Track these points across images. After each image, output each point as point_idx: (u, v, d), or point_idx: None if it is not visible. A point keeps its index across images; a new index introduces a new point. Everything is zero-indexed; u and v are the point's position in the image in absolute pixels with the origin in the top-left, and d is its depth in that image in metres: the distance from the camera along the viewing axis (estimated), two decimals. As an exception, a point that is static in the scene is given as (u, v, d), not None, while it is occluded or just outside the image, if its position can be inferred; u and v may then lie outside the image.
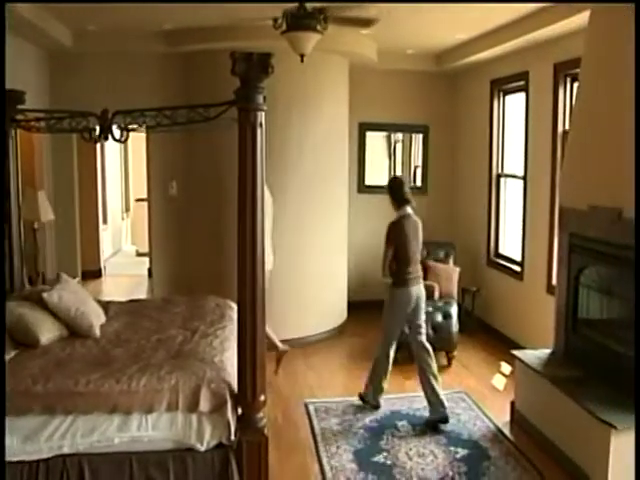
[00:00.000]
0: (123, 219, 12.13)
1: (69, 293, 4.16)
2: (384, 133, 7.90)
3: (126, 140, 3.68)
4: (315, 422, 4.65)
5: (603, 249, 4.05)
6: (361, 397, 4.92)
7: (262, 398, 3.38)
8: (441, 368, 5.76)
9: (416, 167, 7.99)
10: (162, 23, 5.84)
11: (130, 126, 3.58)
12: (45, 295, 4.00)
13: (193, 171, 6.55)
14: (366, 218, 7.36)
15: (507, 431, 4.51)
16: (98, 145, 8.99)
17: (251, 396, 3.32)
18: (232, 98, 3.21)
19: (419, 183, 7.87)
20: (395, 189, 4.75)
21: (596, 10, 4.23)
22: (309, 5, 4.51)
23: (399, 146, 8.04)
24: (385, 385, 4.87)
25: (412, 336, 4.80)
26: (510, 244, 6.71)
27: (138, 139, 7.52)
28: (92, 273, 8.80)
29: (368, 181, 7.66)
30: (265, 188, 3.35)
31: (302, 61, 4.74)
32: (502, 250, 6.87)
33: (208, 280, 6.25)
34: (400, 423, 4.62)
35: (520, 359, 4.57)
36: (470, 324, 6.75)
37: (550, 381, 4.15)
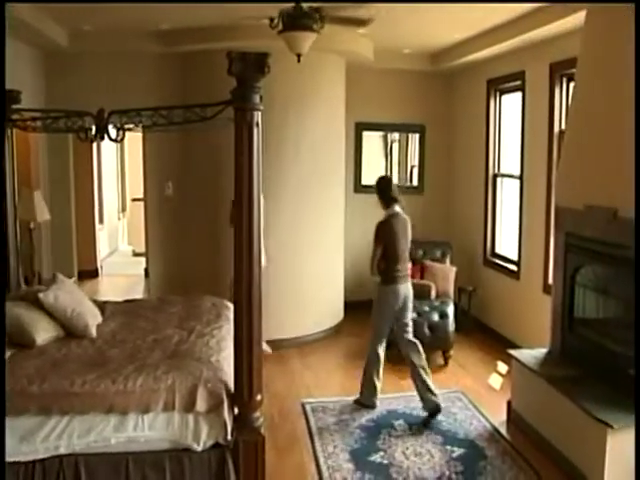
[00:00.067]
0: (119, 219, 12.12)
1: (65, 293, 4.16)
2: (381, 133, 7.90)
3: (122, 140, 3.68)
4: (312, 422, 4.65)
5: (599, 248, 4.05)
6: (357, 402, 4.92)
7: (259, 398, 3.38)
8: (437, 367, 5.80)
9: (412, 167, 7.99)
10: (158, 23, 5.83)
11: (126, 126, 3.57)
12: (41, 295, 3.99)
13: (189, 171, 6.55)
14: (362, 218, 7.34)
15: (503, 430, 4.52)
16: (94, 145, 8.97)
17: (248, 396, 3.32)
18: (228, 98, 3.21)
19: (415, 183, 7.88)
20: (383, 188, 4.81)
21: (592, 10, 4.23)
22: (305, 5, 4.51)
23: (395, 146, 8.04)
24: (378, 384, 4.88)
25: (399, 335, 4.86)
26: (506, 243, 6.72)
27: (134, 139, 7.50)
28: (88, 273, 8.79)
29: (365, 181, 7.64)
30: None
31: (299, 61, 4.73)
32: (498, 249, 6.88)
33: (204, 280, 6.25)
34: (397, 422, 4.63)
35: (516, 358, 4.58)
36: (466, 323, 6.76)
37: (546, 380, 4.15)
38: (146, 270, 7.94)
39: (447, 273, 6.62)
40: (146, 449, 3.21)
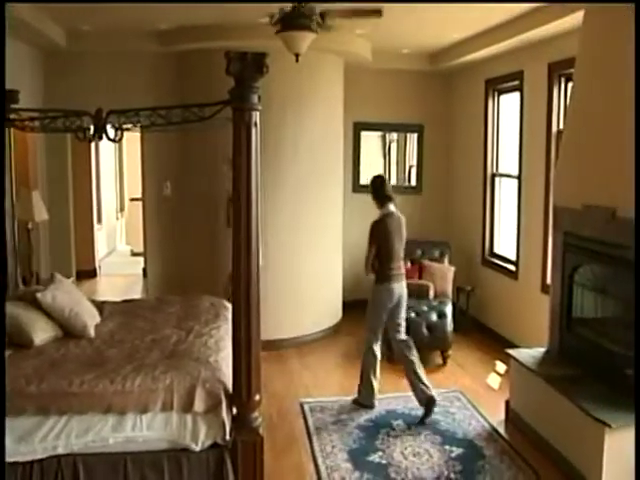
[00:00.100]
0: (118, 219, 12.11)
1: (63, 293, 4.15)
2: (379, 132, 7.90)
3: (120, 140, 3.67)
4: (310, 421, 4.65)
5: (597, 248, 4.06)
6: (356, 402, 4.92)
7: (257, 398, 3.38)
8: (436, 367, 5.81)
9: (411, 166, 7.99)
10: (156, 23, 5.82)
11: (124, 126, 3.57)
12: (39, 295, 3.99)
13: (188, 171, 6.54)
14: (361, 218, 7.29)
15: (502, 430, 4.52)
16: (92, 145, 8.95)
17: (246, 396, 3.32)
18: (227, 98, 3.21)
19: (414, 183, 7.88)
20: (377, 188, 4.84)
21: (590, 10, 4.24)
22: (314, 5, 4.47)
23: (394, 145, 8.05)
24: (376, 384, 4.88)
25: (391, 334, 4.88)
26: (505, 243, 6.72)
27: (133, 139, 7.48)
28: (87, 273, 8.78)
29: (363, 181, 7.63)
30: None
31: (297, 61, 4.72)
32: (497, 249, 6.88)
33: (203, 280, 6.24)
34: (395, 422, 4.63)
35: (515, 358, 4.58)
36: (465, 323, 6.76)
37: (545, 380, 4.16)
38: (144, 270, 7.94)
39: (445, 273, 6.62)
40: (144, 449, 3.21)
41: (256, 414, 3.40)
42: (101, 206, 10.24)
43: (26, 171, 6.17)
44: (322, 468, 3.96)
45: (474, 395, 5.14)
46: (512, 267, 6.32)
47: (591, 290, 4.26)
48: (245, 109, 3.17)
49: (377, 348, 4.86)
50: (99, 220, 10.03)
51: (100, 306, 4.63)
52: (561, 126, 5.37)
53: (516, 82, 6.17)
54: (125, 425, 3.17)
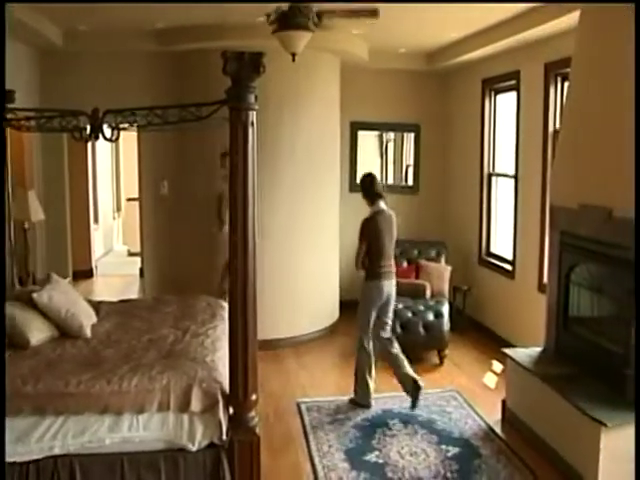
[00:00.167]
0: (114, 219, 12.08)
1: (59, 293, 4.15)
2: (376, 132, 7.90)
3: (117, 139, 3.67)
4: (307, 421, 4.65)
5: (594, 247, 4.06)
6: (352, 402, 4.93)
7: (254, 397, 3.38)
8: (432, 367, 5.81)
9: (408, 166, 8.00)
10: (153, 22, 5.82)
11: (121, 125, 3.57)
12: (35, 295, 3.98)
13: (185, 170, 6.53)
14: (358, 217, 7.27)
15: (498, 429, 4.53)
16: (89, 144, 8.95)
17: (243, 396, 3.32)
18: (223, 97, 3.21)
19: (411, 182, 7.88)
20: (367, 186, 4.89)
21: (586, 10, 4.24)
22: (311, 4, 4.47)
23: (391, 145, 8.05)
24: (371, 382, 4.88)
25: (374, 332, 4.90)
26: (501, 243, 6.73)
27: (129, 138, 7.50)
28: (83, 273, 8.77)
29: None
30: None
31: (294, 60, 4.72)
32: (493, 249, 6.89)
33: (199, 279, 6.23)
34: (392, 422, 4.63)
35: (511, 357, 4.59)
36: (461, 323, 6.77)
37: (541, 379, 4.16)
38: (141, 270, 7.93)
39: (442, 272, 6.62)
40: (141, 449, 3.21)
41: (253, 414, 3.40)
42: (98, 206, 10.21)
43: (22, 171, 6.15)
44: (319, 468, 3.97)
45: (470, 394, 5.14)
46: (509, 266, 6.33)
47: (587, 289, 4.27)
48: (242, 109, 3.17)
49: (369, 345, 4.87)
50: (96, 220, 10.00)
51: (97, 306, 4.62)
52: (557, 126, 5.39)
53: (513, 82, 6.18)
54: (122, 425, 3.17)
